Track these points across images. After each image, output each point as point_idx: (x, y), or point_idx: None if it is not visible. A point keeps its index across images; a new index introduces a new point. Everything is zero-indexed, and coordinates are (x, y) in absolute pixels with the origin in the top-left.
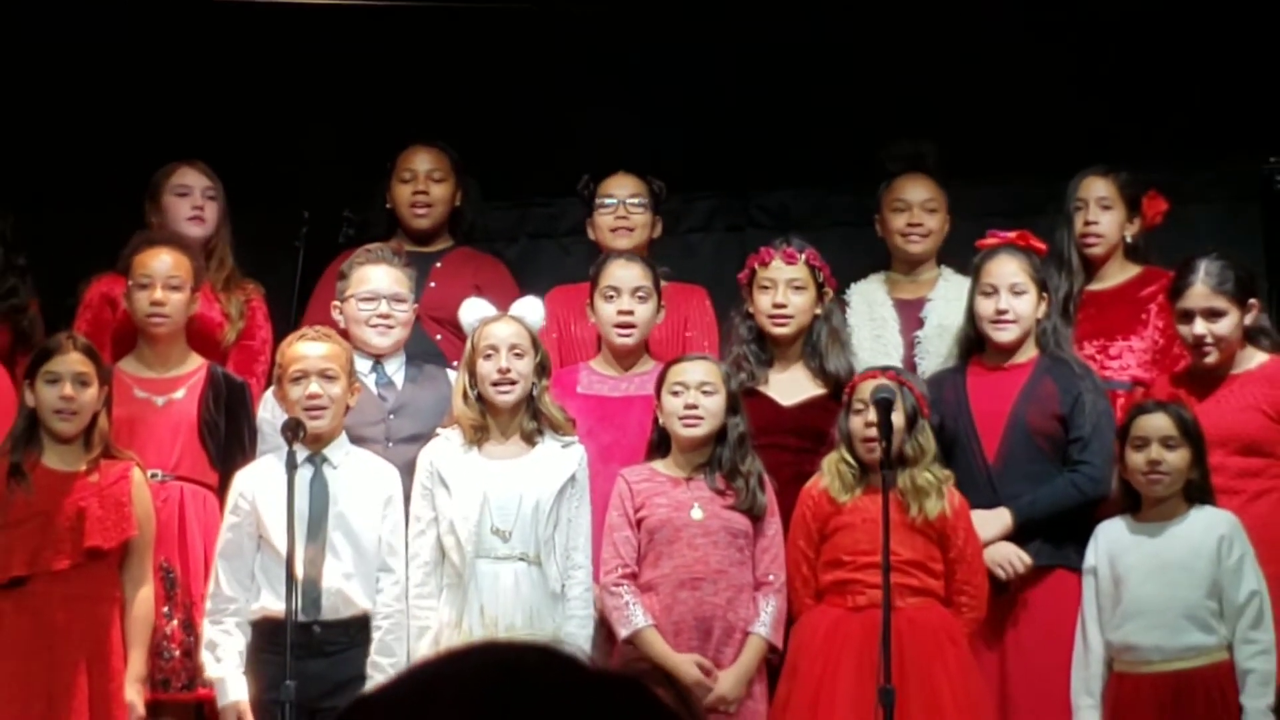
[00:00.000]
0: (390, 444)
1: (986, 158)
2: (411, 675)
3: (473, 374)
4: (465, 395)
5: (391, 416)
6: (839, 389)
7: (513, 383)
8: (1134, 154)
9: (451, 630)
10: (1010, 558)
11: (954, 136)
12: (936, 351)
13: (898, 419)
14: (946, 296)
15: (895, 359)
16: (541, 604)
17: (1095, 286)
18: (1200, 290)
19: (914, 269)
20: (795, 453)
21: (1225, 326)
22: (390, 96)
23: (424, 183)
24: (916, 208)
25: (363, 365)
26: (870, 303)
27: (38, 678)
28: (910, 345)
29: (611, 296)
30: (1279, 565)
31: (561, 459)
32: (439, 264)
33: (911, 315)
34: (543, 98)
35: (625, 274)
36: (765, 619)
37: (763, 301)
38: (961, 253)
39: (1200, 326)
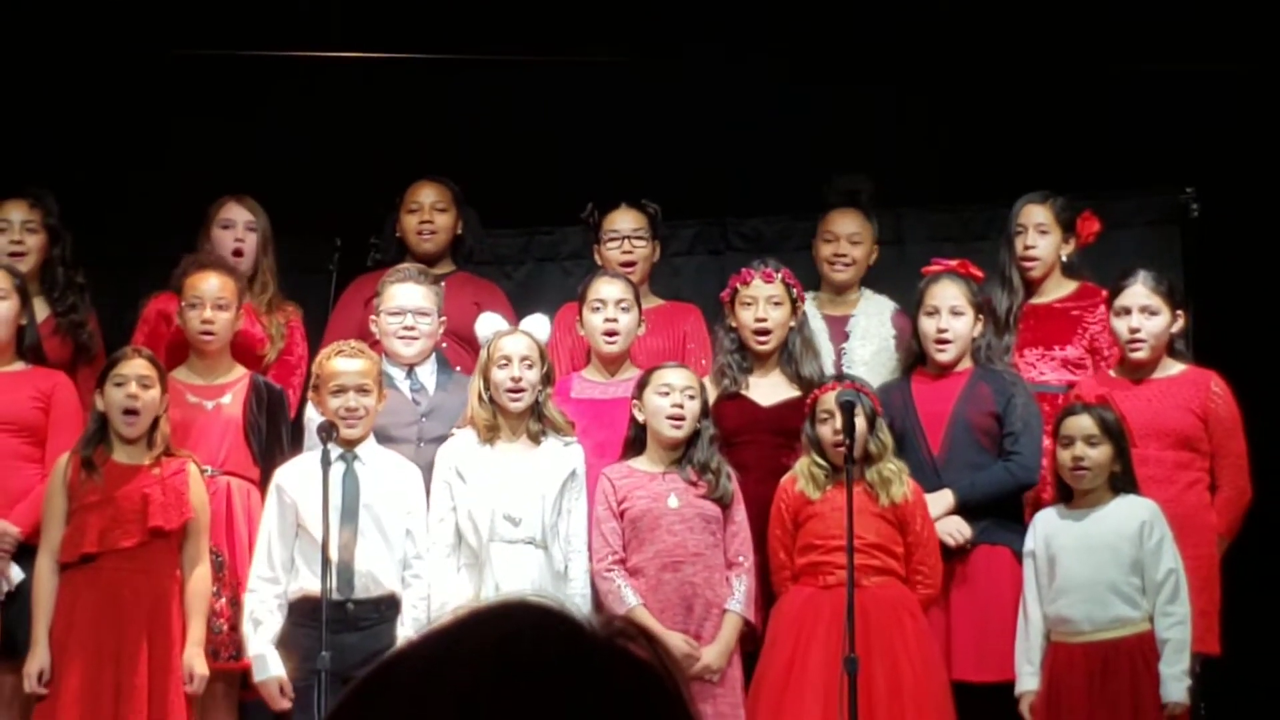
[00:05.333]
0: (421, 444)
1: (937, 188)
2: (434, 635)
3: (486, 380)
4: (480, 399)
5: (424, 419)
6: (811, 391)
7: (523, 390)
8: (1065, 183)
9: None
10: (953, 530)
11: (908, 169)
12: (861, 359)
13: (860, 421)
14: (868, 312)
15: (828, 364)
16: (548, 582)
17: (1036, 300)
18: (1139, 289)
19: (840, 292)
20: (773, 448)
21: (1157, 325)
22: (409, 136)
23: (429, 213)
24: (843, 240)
25: (398, 372)
26: (810, 312)
27: (106, 642)
28: (838, 354)
29: (598, 308)
30: (1209, 547)
31: (564, 456)
32: (443, 285)
33: (838, 329)
34: (545, 137)
35: (610, 289)
36: (739, 597)
37: (745, 317)
38: (913, 274)
39: (1136, 320)
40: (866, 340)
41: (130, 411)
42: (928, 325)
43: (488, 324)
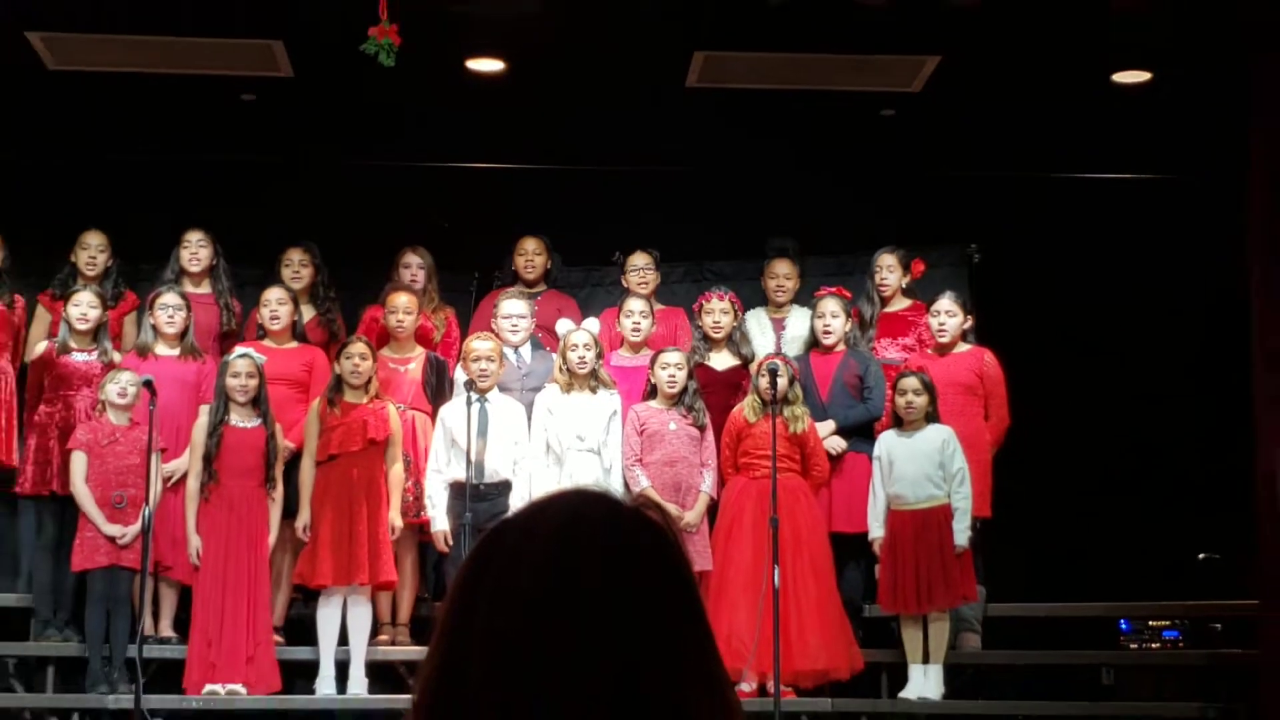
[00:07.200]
0: (523, 392)
1: (825, 242)
2: (532, 505)
3: (564, 358)
4: (561, 369)
5: (525, 378)
6: (747, 363)
7: (586, 363)
8: (901, 240)
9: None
10: (834, 445)
11: (811, 230)
12: (793, 345)
13: (783, 381)
14: (795, 317)
15: (770, 348)
16: (601, 476)
17: (887, 310)
18: (945, 301)
19: (780, 308)
20: (725, 396)
21: (954, 322)
22: (522, 211)
23: (531, 256)
24: (781, 277)
25: (510, 352)
26: (757, 319)
27: (342, 508)
28: (779, 341)
29: (629, 316)
30: (984, 453)
31: (609, 401)
32: (539, 300)
33: (778, 326)
34: (601, 213)
35: (636, 304)
36: (707, 483)
37: (706, 320)
38: (811, 295)
39: (942, 319)
40: (794, 331)
41: (354, 373)
42: (817, 325)
43: (563, 326)
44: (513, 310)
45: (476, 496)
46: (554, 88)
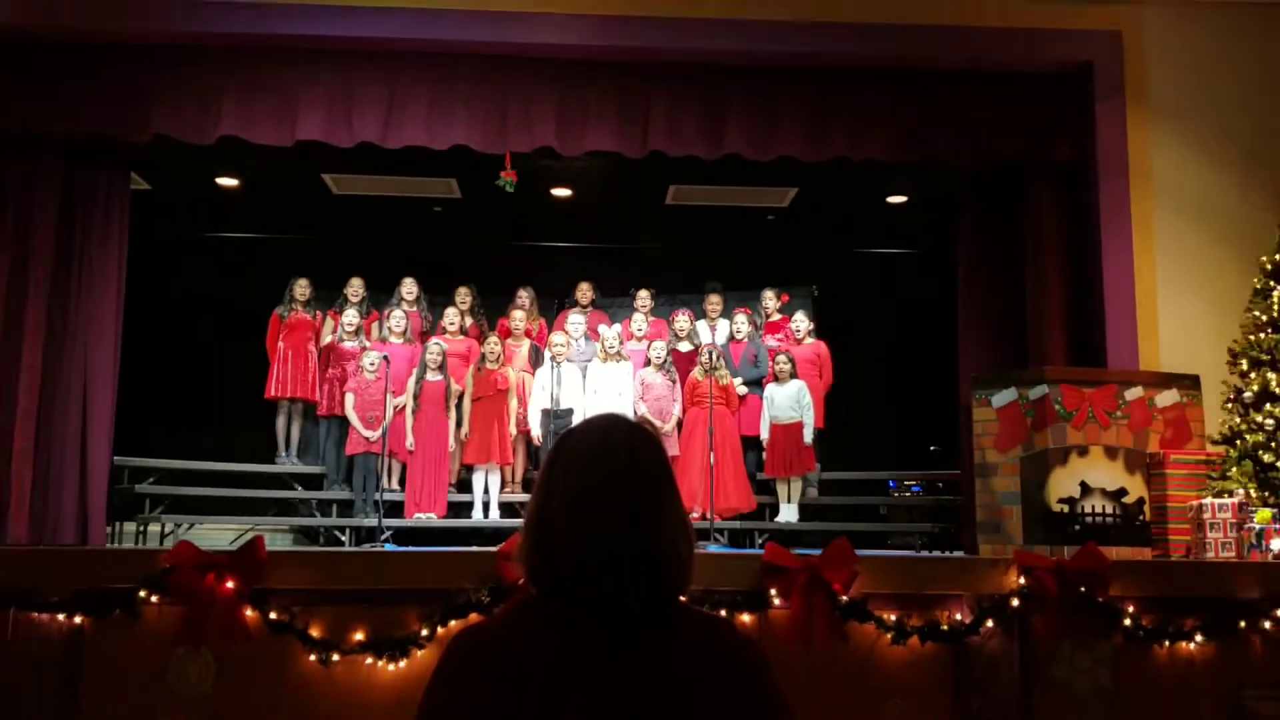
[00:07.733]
0: (580, 363)
1: (738, 284)
2: (584, 421)
3: (602, 345)
4: (600, 351)
5: (580, 354)
6: (697, 349)
7: (614, 348)
8: (778, 282)
9: None
10: (741, 390)
11: (730, 278)
12: (720, 339)
13: (715, 357)
14: (723, 325)
15: (708, 340)
16: (621, 407)
17: (769, 320)
18: (800, 315)
19: (713, 320)
20: (686, 366)
21: (805, 326)
22: (574, 268)
23: (585, 291)
24: (714, 303)
25: (573, 342)
26: (702, 325)
27: (486, 424)
28: (714, 337)
29: (635, 323)
30: (819, 394)
31: (627, 368)
32: (589, 314)
33: (713, 329)
34: (622, 269)
35: (639, 316)
36: (676, 411)
37: (676, 326)
38: (728, 312)
39: (798, 324)
40: (722, 332)
41: (491, 355)
42: (734, 328)
43: (602, 329)
44: (575, 320)
45: (555, 417)
46: (598, 204)
